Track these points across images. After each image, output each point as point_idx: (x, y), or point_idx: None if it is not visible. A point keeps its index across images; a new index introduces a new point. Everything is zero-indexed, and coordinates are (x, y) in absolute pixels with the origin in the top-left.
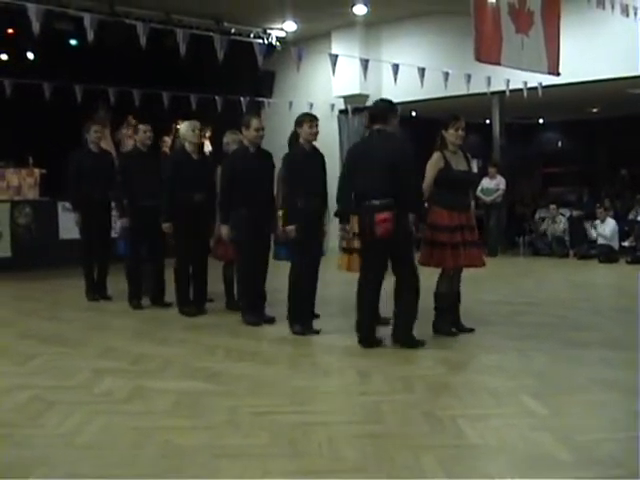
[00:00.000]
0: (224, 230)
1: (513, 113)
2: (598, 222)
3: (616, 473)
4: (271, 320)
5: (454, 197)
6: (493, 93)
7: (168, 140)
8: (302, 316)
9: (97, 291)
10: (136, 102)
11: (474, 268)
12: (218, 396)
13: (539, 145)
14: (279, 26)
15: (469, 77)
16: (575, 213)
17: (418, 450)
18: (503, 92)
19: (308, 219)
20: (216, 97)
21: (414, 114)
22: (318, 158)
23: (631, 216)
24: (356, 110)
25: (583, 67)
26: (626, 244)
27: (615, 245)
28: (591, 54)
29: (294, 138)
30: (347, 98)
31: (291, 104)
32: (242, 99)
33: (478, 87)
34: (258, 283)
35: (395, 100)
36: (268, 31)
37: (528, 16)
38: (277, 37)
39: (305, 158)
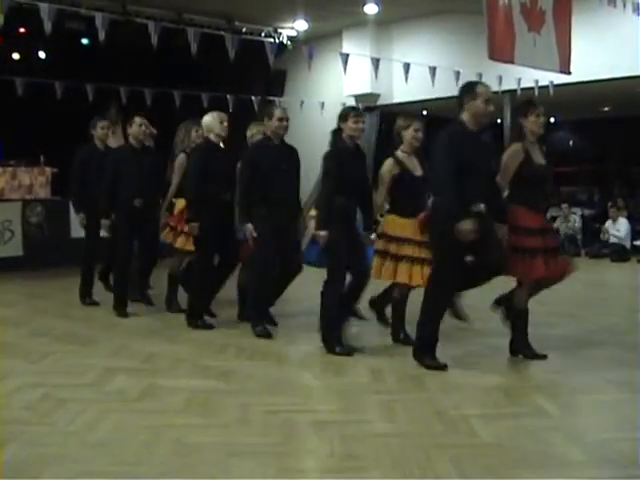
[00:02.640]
0: (248, 229)
1: None
2: (610, 222)
3: (628, 473)
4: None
5: (534, 195)
6: (504, 92)
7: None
8: (341, 335)
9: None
10: (147, 101)
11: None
12: (230, 394)
13: (550, 144)
14: (290, 25)
15: (480, 76)
16: (587, 212)
17: (431, 449)
18: (514, 91)
19: (349, 223)
20: (227, 96)
21: (425, 113)
22: (361, 157)
23: None
24: (367, 109)
25: (594, 66)
26: (638, 243)
27: (627, 244)
28: (602, 53)
29: (337, 134)
30: (358, 97)
31: (302, 103)
32: (253, 98)
33: (489, 86)
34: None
35: (406, 99)
36: (279, 30)
37: (540, 15)
38: (288, 36)
39: (348, 156)
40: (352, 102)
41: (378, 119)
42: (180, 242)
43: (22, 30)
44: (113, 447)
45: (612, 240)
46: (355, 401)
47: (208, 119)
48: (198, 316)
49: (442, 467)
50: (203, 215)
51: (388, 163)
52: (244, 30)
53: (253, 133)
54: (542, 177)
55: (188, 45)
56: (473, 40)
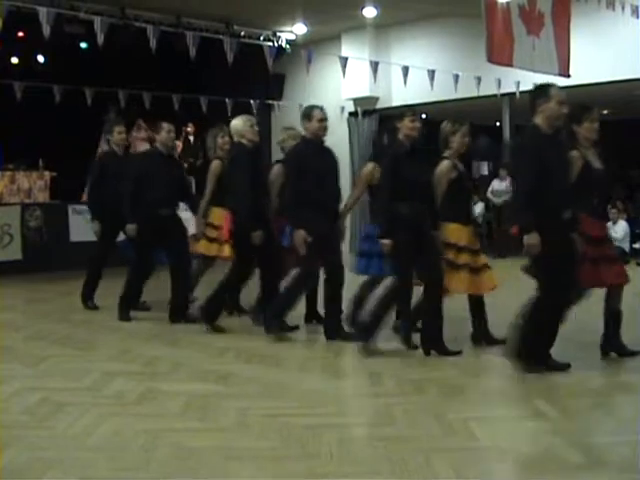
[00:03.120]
0: (301, 235)
1: (523, 115)
2: (610, 225)
3: (628, 477)
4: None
5: (595, 202)
6: (503, 95)
7: (179, 144)
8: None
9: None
10: (146, 105)
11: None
12: (229, 398)
13: None
14: (289, 29)
15: (479, 79)
16: None
17: (430, 453)
18: (513, 94)
19: (413, 231)
20: (226, 100)
21: (424, 116)
22: (425, 158)
23: None
24: (366, 112)
25: (593, 69)
26: (637, 246)
27: (626, 247)
28: (601, 56)
29: (393, 135)
30: (357, 100)
31: (301, 106)
32: (252, 102)
33: (488, 89)
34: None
35: (405, 102)
36: (278, 34)
37: (539, 18)
38: (287, 40)
39: (408, 157)
40: (351, 105)
41: (377, 122)
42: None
43: (21, 34)
44: (112, 451)
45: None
46: (354, 405)
47: (238, 124)
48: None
49: (441, 471)
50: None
51: (446, 166)
52: (243, 34)
53: (284, 138)
54: (602, 182)
55: (187, 49)
56: (472, 43)
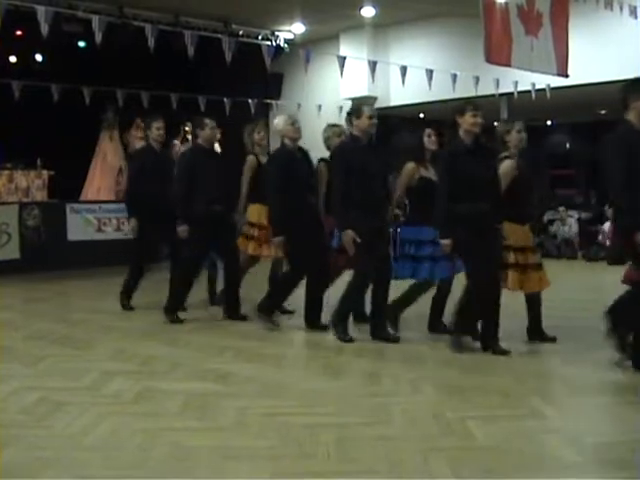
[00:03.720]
0: (350, 236)
1: (521, 115)
2: (608, 224)
3: (626, 475)
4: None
5: None
6: (501, 95)
7: (177, 144)
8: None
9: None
10: (144, 104)
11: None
12: (227, 397)
13: (547, 147)
14: (287, 28)
15: (477, 79)
16: (584, 215)
17: (427, 452)
18: (511, 94)
19: (477, 230)
20: (224, 99)
21: (422, 116)
22: (486, 155)
23: None
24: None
25: (591, 69)
26: None
27: None
28: (599, 56)
29: (452, 131)
30: (355, 100)
31: (299, 106)
32: (250, 101)
33: (486, 89)
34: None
35: (403, 102)
36: (276, 33)
37: (537, 18)
38: (285, 39)
39: (468, 154)
40: (349, 105)
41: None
42: (270, 250)
43: (19, 33)
44: (110, 450)
45: (609, 243)
46: (352, 404)
47: (280, 123)
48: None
49: (439, 470)
50: (288, 227)
51: (509, 165)
52: (241, 33)
53: (329, 135)
54: None
55: (185, 48)
56: (470, 43)
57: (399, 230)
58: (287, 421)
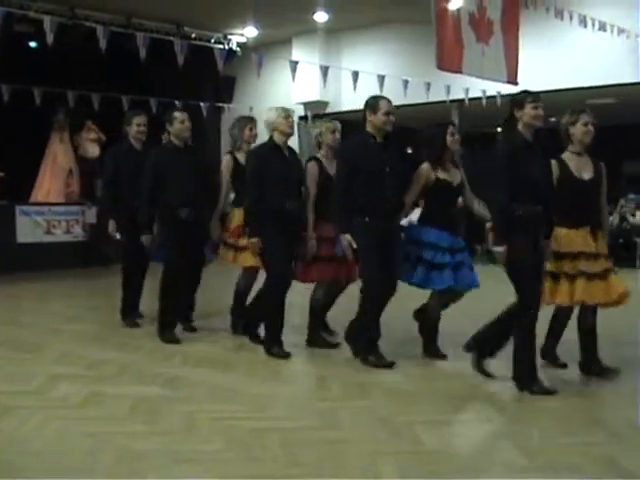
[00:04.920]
0: (347, 240)
1: (472, 122)
2: None
3: (574, 479)
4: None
5: None
6: (452, 101)
7: None
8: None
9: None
10: (95, 106)
11: None
12: (175, 401)
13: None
14: (240, 31)
15: (429, 85)
16: None
17: (375, 456)
18: (462, 100)
19: (535, 236)
20: (176, 102)
21: None
22: (544, 152)
23: None
24: (316, 117)
25: (541, 77)
26: None
27: None
28: (549, 64)
29: (510, 125)
30: (307, 105)
31: (251, 109)
32: (202, 104)
33: (437, 95)
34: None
35: (354, 107)
36: (229, 36)
37: (488, 25)
38: (238, 42)
39: (526, 151)
40: (301, 109)
41: None
42: (246, 260)
43: None
44: (57, 455)
45: None
46: (300, 408)
47: (272, 115)
48: (276, 343)
49: (386, 474)
50: (264, 229)
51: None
52: (193, 36)
53: (322, 131)
54: None
55: (137, 50)
56: (422, 49)
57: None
58: (235, 425)
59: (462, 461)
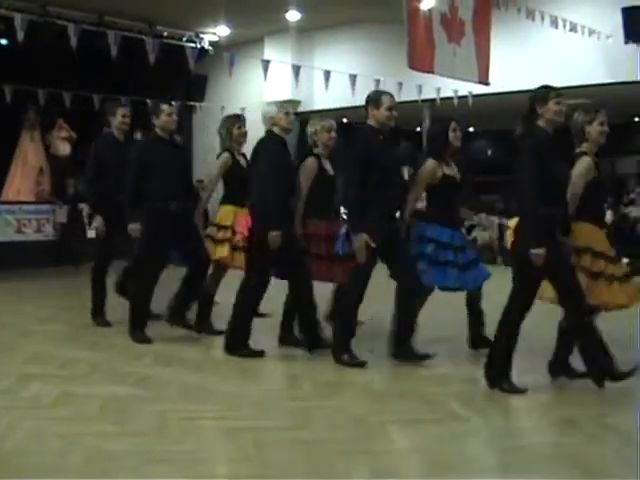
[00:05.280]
0: (362, 239)
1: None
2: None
3: (543, 476)
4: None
5: None
6: (424, 101)
7: None
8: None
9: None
10: (66, 104)
11: None
12: (146, 401)
13: (470, 153)
14: (212, 30)
15: (400, 85)
16: (504, 221)
17: (347, 455)
18: (434, 100)
19: (556, 238)
20: (147, 100)
21: (345, 120)
22: (562, 151)
23: None
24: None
25: (513, 77)
26: None
27: None
28: (521, 64)
29: (530, 121)
30: (280, 104)
31: (223, 108)
32: (174, 102)
33: (409, 95)
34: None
35: (326, 107)
36: (201, 35)
37: (460, 26)
38: (210, 41)
39: (552, 149)
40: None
41: (298, 126)
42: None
43: None
44: (27, 455)
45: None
46: (272, 408)
47: (271, 110)
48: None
49: (359, 473)
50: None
51: (585, 166)
52: (165, 34)
53: (317, 130)
54: None
55: (108, 48)
56: (394, 49)
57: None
58: (207, 425)
59: (434, 460)
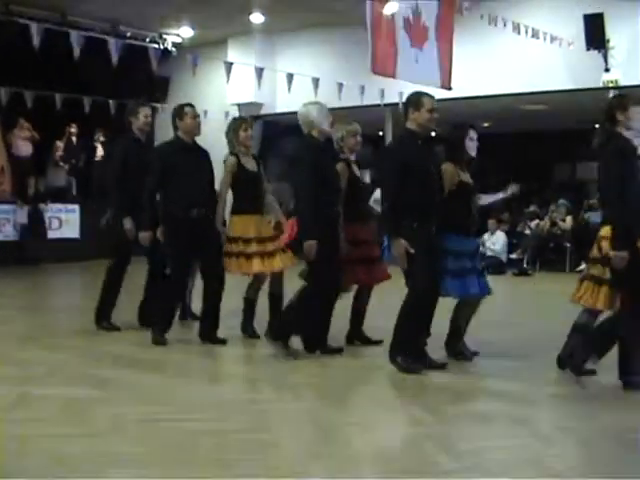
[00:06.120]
0: (402, 246)
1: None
2: (487, 235)
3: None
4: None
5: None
6: (386, 105)
7: (61, 145)
8: None
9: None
10: (28, 104)
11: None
12: (105, 403)
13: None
14: (175, 31)
15: (363, 88)
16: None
17: (306, 458)
18: (397, 104)
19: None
20: (110, 101)
21: None
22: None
23: (519, 229)
24: (250, 118)
25: (475, 82)
26: (514, 256)
27: (504, 257)
28: (483, 70)
29: (611, 129)
30: (241, 106)
31: None
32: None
33: (372, 99)
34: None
35: (288, 110)
36: (164, 36)
37: (423, 31)
38: (173, 42)
39: (633, 156)
40: (235, 110)
41: (261, 128)
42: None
43: None
44: None
45: (489, 253)
46: (232, 410)
47: (311, 111)
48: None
49: (317, 476)
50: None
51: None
52: (129, 35)
53: (343, 135)
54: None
55: (71, 48)
56: (356, 53)
57: None
58: (164, 427)
59: (391, 463)
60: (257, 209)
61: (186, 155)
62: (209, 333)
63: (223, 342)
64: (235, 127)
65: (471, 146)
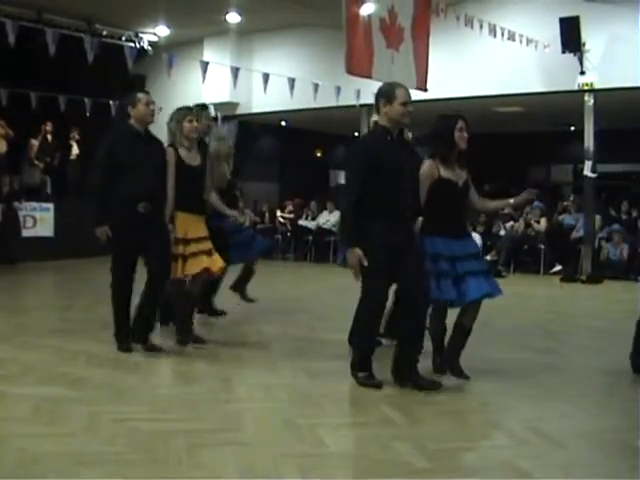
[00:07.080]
0: (357, 256)
1: None
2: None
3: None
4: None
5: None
6: (362, 106)
7: (36, 143)
8: None
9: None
10: (3, 102)
11: None
12: (78, 402)
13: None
14: (151, 30)
15: (339, 89)
16: None
17: (278, 458)
18: (372, 105)
19: None
20: (85, 99)
21: (284, 124)
22: None
23: (494, 230)
24: (225, 118)
25: (451, 84)
26: (488, 258)
27: None
28: (459, 72)
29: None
30: (217, 105)
31: (161, 109)
32: (111, 102)
33: (348, 99)
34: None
35: (265, 109)
36: (140, 35)
37: (399, 32)
38: (149, 41)
39: None
40: (211, 110)
41: (236, 128)
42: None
43: None
44: None
45: None
46: (204, 410)
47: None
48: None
49: (289, 476)
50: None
51: None
52: (104, 33)
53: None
54: None
55: (46, 46)
56: (332, 54)
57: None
58: (138, 427)
59: (364, 463)
60: (194, 207)
61: (136, 145)
62: (141, 335)
63: (159, 349)
64: (179, 118)
65: (460, 137)
